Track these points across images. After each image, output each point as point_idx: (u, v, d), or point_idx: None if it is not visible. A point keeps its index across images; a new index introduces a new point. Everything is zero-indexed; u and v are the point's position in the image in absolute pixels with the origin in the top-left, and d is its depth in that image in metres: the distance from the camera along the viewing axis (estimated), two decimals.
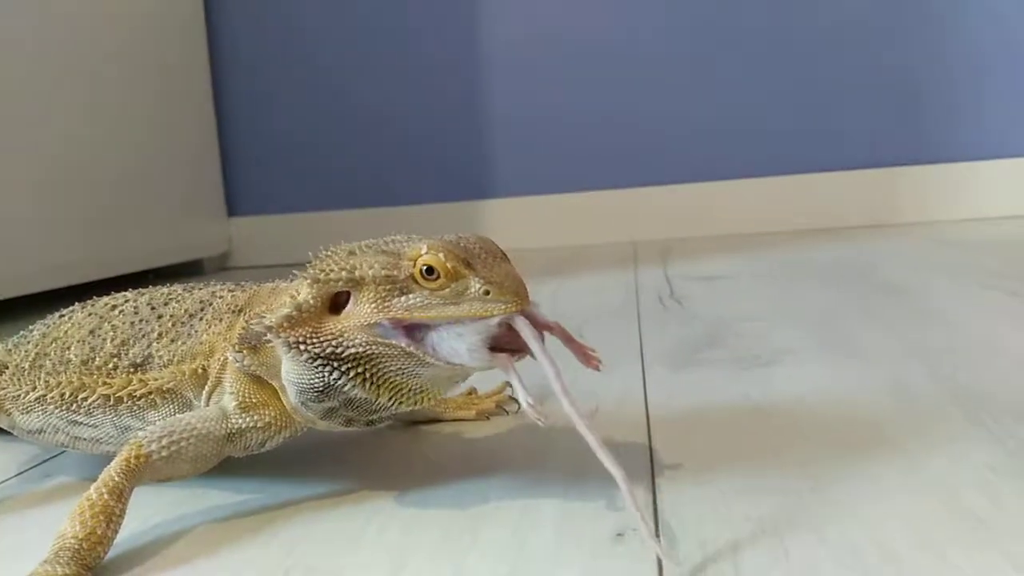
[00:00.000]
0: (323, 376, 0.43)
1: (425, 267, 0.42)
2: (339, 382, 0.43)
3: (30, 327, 0.59)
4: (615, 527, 0.41)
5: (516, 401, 0.63)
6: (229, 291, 0.51)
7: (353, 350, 0.42)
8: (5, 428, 0.56)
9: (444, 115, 1.90)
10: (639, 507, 0.37)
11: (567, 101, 1.85)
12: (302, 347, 0.43)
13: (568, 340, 0.45)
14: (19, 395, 0.53)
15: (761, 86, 1.77)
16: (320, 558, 0.40)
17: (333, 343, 0.42)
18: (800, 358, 0.71)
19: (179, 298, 0.52)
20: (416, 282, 0.42)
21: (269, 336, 0.44)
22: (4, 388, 0.55)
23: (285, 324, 0.43)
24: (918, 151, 1.73)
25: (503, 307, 0.41)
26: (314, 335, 0.43)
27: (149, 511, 0.47)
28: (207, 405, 0.48)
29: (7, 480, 0.56)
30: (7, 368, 0.56)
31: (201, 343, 0.49)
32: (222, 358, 0.48)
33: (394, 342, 0.42)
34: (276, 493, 0.49)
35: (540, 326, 0.43)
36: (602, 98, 1.83)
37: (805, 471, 0.46)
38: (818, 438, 0.51)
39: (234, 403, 0.46)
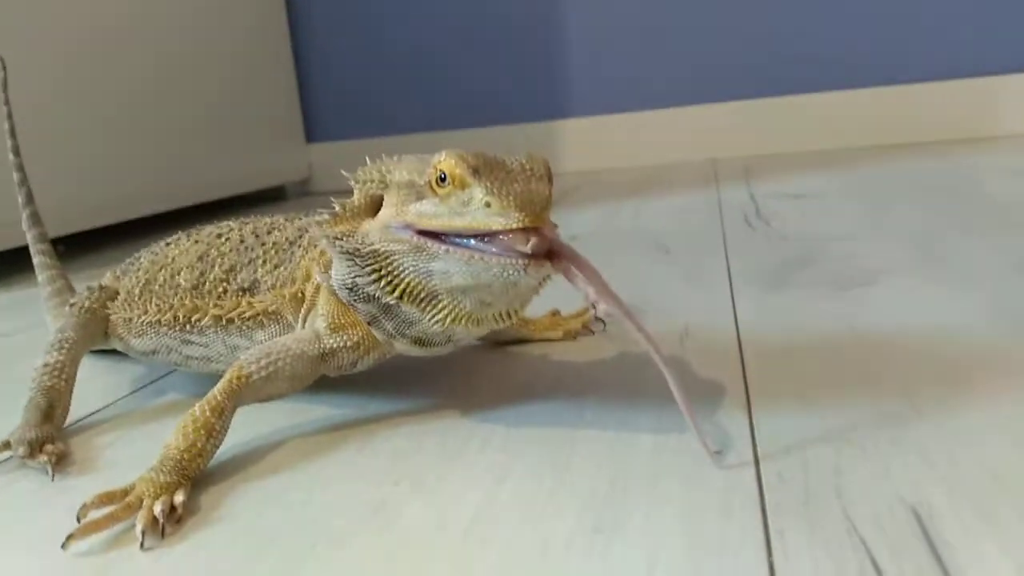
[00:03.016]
0: (350, 271, 0.45)
1: (440, 173, 0.41)
2: (359, 278, 0.45)
3: (136, 255, 0.61)
4: (713, 445, 0.41)
5: (602, 321, 0.63)
6: None
7: (371, 247, 0.44)
8: (120, 350, 0.60)
9: (519, 34, 1.86)
10: (690, 410, 0.39)
11: (643, 14, 1.78)
12: (337, 242, 0.45)
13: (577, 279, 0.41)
14: (132, 319, 0.56)
15: None
16: (425, 470, 0.42)
17: (358, 240, 0.44)
18: (898, 278, 0.69)
19: (281, 227, 0.54)
20: (431, 188, 0.42)
21: (317, 232, 0.46)
22: (117, 313, 0.58)
23: (330, 220, 0.45)
24: (1017, 58, 1.62)
25: (502, 222, 0.39)
26: (348, 233, 0.45)
27: (260, 425, 0.50)
28: (303, 327, 0.50)
29: (123, 398, 0.59)
30: (118, 294, 0.59)
31: (299, 268, 0.51)
32: (316, 282, 0.49)
33: (403, 236, 0.43)
34: (376, 409, 0.51)
35: (561, 253, 0.40)
36: (679, 11, 1.76)
37: (907, 394, 0.45)
38: (920, 361, 0.50)
39: (324, 324, 0.48)
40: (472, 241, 0.40)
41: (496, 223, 0.39)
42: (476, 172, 0.40)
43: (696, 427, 0.39)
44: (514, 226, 0.39)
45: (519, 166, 0.42)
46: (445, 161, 0.41)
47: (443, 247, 0.41)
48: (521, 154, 0.43)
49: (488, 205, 0.39)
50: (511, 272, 0.40)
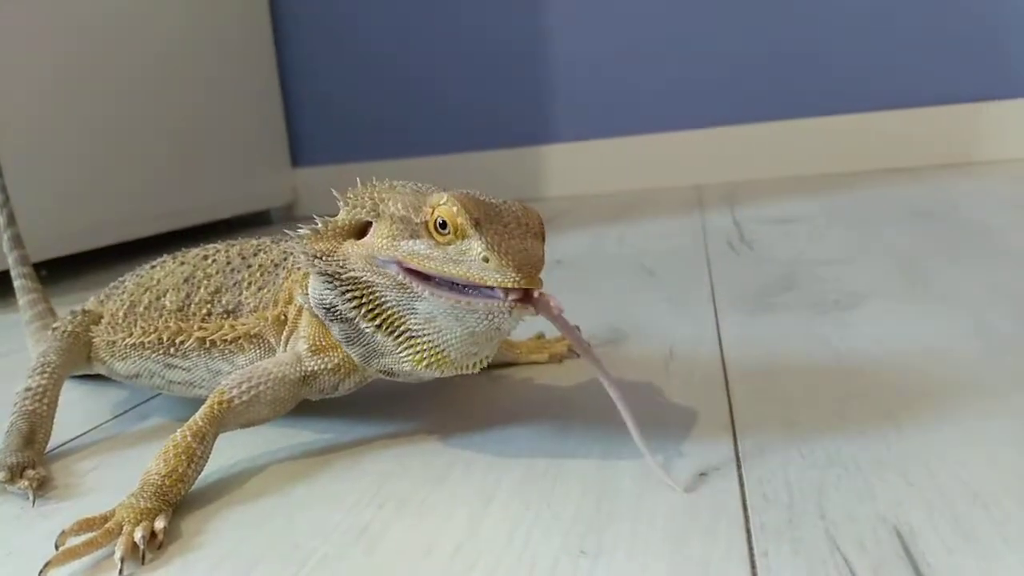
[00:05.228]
0: (327, 293, 0.45)
1: (439, 219, 0.41)
2: (337, 301, 0.44)
3: (120, 278, 0.61)
4: (698, 467, 0.41)
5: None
6: None
7: (352, 273, 0.44)
8: (103, 374, 0.59)
9: (506, 59, 1.88)
10: (641, 439, 0.40)
11: (629, 41, 1.81)
12: (316, 260, 0.45)
13: (575, 338, 0.42)
14: (115, 341, 0.56)
15: (833, 20, 1.70)
16: (411, 493, 0.42)
17: (339, 262, 0.44)
18: (880, 301, 0.70)
19: (267, 249, 0.54)
20: (428, 230, 0.42)
21: (296, 248, 0.46)
22: (100, 336, 0.57)
23: (311, 236, 0.45)
24: (998, 86, 1.65)
25: (499, 278, 0.39)
26: (329, 252, 0.45)
27: (243, 450, 0.49)
28: (284, 350, 0.50)
29: (105, 423, 0.58)
30: (101, 318, 0.58)
31: (282, 290, 0.51)
32: (298, 304, 0.49)
33: (388, 271, 0.43)
34: (361, 433, 0.51)
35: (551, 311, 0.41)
36: (665, 37, 1.79)
37: (889, 415, 0.45)
38: (901, 382, 0.50)
39: (305, 346, 0.48)
40: (456, 285, 0.41)
41: (492, 279, 0.40)
42: (477, 224, 0.41)
43: (650, 456, 0.40)
44: (509, 285, 0.39)
45: (515, 220, 0.42)
46: (446, 207, 0.41)
47: (427, 289, 0.41)
48: (514, 202, 0.43)
49: (486, 260, 0.40)
50: (497, 315, 0.40)
